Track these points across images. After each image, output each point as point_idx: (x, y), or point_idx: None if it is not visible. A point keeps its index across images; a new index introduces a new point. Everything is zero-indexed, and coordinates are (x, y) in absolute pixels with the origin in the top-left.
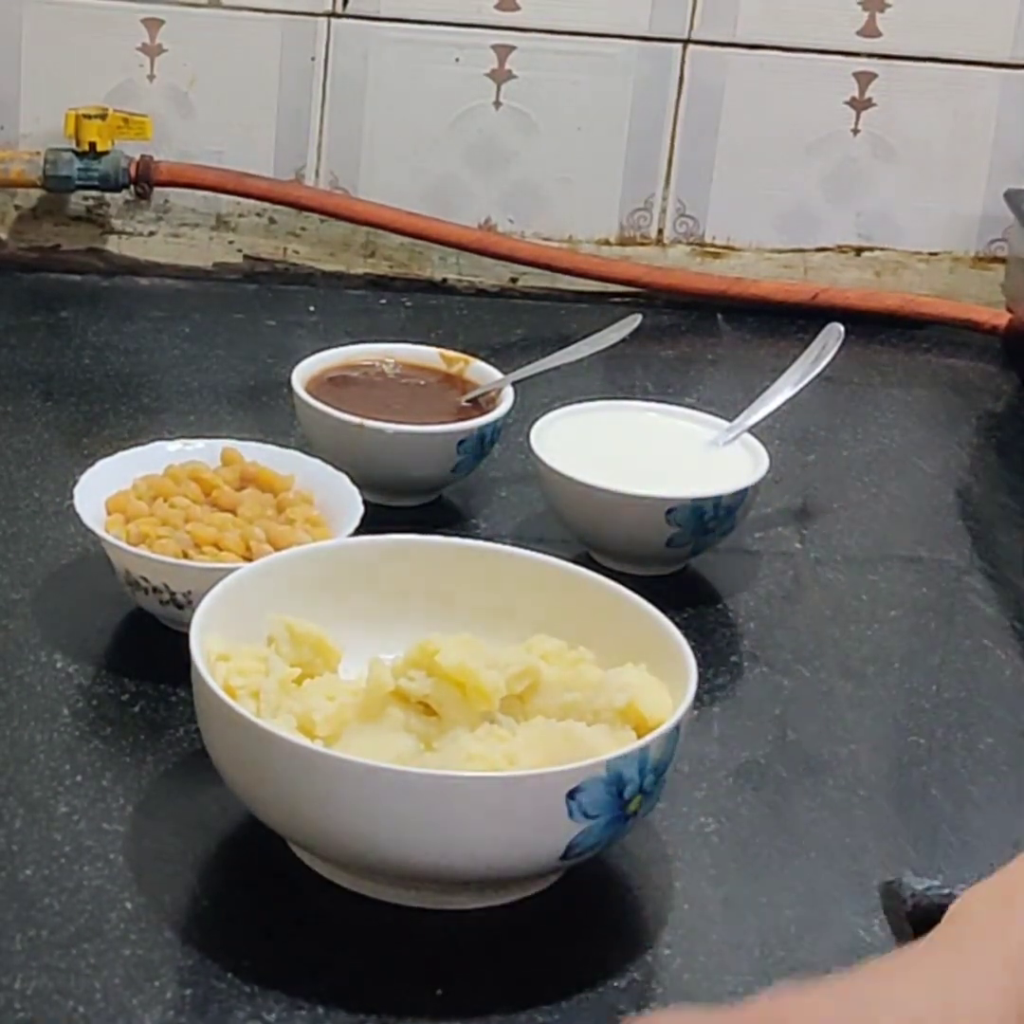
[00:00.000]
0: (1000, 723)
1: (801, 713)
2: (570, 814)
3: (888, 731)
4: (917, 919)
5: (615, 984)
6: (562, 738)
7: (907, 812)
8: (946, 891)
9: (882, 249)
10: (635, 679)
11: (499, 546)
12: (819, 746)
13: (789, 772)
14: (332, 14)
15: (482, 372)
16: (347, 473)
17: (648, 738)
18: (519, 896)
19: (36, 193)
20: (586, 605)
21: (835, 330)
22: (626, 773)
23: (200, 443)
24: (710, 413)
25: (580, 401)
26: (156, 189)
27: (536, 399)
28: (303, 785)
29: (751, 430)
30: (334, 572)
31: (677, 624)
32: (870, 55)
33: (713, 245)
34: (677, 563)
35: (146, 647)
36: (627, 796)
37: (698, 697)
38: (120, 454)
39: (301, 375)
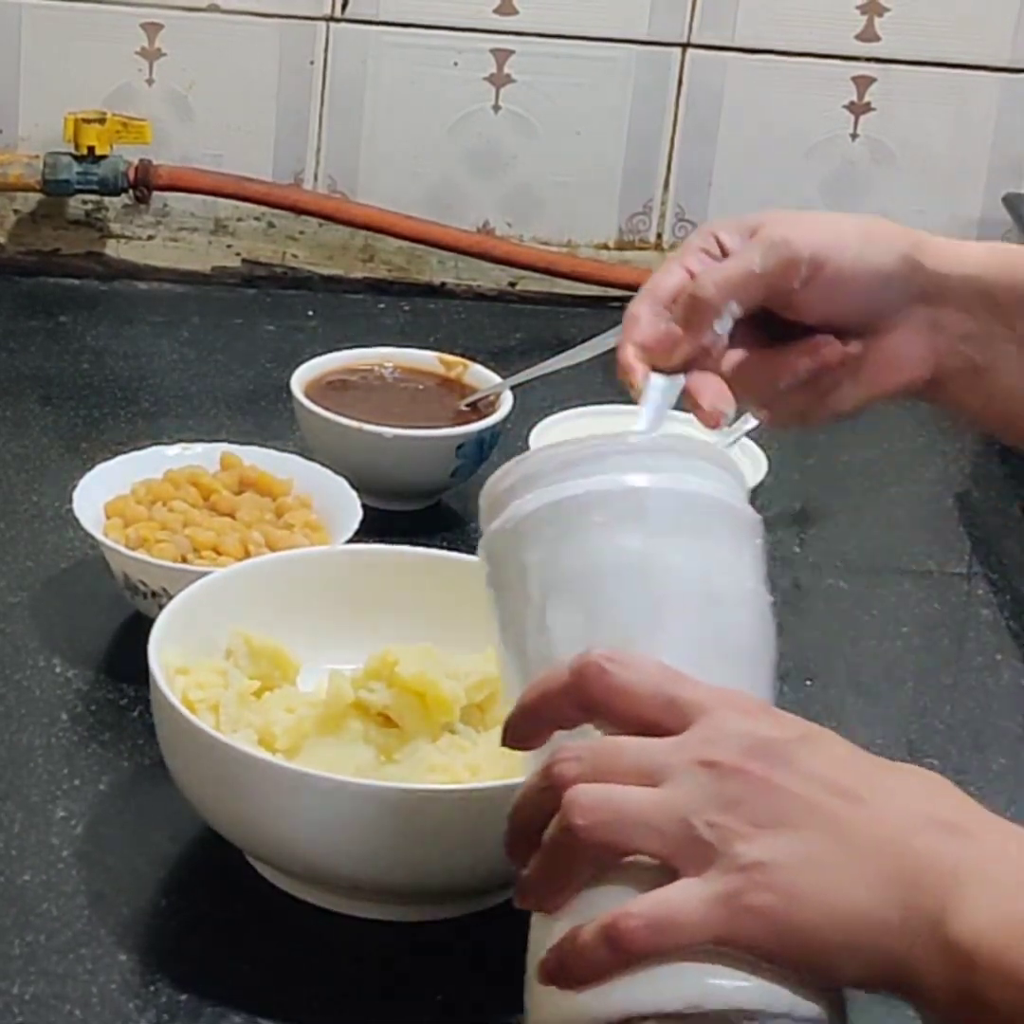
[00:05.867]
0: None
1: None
2: None
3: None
4: None
5: None
6: None
7: None
8: None
9: None
10: None
11: (458, 554)
12: None
13: None
14: (331, 18)
15: (481, 376)
16: (346, 477)
17: None
18: (479, 909)
19: (35, 197)
20: None
21: None
22: None
23: (199, 447)
24: None
25: (579, 405)
26: (155, 193)
27: (535, 403)
28: (263, 799)
29: (750, 434)
30: (292, 583)
31: None
32: (869, 59)
33: None
34: None
35: (144, 651)
36: None
37: None
38: (119, 458)
39: (300, 379)
